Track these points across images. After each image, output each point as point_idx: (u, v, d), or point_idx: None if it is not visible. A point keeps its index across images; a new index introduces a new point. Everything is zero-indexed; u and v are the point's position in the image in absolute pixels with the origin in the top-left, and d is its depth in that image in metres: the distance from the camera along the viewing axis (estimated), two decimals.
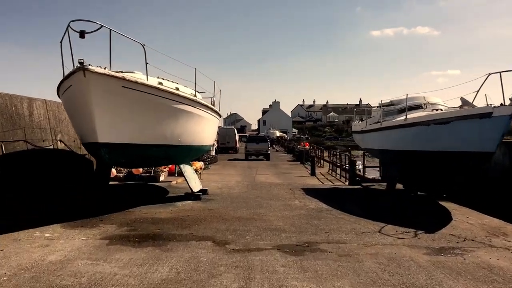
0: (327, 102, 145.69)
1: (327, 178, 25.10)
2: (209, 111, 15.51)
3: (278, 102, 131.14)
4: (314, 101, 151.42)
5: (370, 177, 22.11)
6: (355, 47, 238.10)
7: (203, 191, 16.02)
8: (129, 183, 19.55)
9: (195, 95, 14.10)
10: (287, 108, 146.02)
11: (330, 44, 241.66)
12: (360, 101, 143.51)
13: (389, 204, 14.72)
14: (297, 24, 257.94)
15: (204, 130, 15.19)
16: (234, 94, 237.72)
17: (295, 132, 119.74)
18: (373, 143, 17.37)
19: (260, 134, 48.68)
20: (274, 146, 74.53)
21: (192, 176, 14.87)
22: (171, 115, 12.39)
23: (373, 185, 20.21)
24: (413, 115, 14.57)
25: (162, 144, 12.39)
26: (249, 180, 22.63)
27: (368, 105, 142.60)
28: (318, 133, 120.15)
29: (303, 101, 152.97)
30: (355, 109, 45.98)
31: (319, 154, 37.80)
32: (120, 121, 10.78)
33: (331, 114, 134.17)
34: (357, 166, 23.68)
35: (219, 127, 58.48)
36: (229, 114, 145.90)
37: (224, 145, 53.09)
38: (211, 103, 17.78)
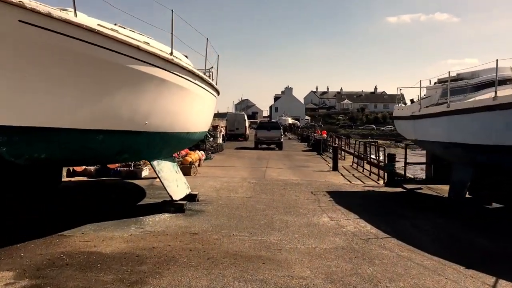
0: (341, 89, 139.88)
1: (353, 175, 20.13)
2: (200, 84, 10.67)
3: (291, 88, 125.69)
4: (327, 88, 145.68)
5: (412, 176, 17.13)
6: (371, 34, 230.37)
7: (191, 197, 11.22)
8: (100, 180, 14.79)
9: (175, 56, 9.17)
10: (300, 94, 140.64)
11: (345, 30, 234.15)
12: (376, 88, 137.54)
13: (476, 226, 9.76)
14: (311, 10, 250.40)
15: (193, 111, 10.35)
16: (246, 80, 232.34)
17: (307, 120, 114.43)
18: (432, 133, 12.17)
19: (272, 120, 43.66)
20: (286, 133, 69.50)
21: (171, 178, 9.96)
22: (129, 82, 7.52)
23: (420, 188, 15.23)
24: (503, 92, 9.54)
25: (114, 130, 7.51)
26: (257, 177, 17.78)
27: (383, 93, 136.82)
28: (332, 120, 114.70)
29: (317, 88, 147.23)
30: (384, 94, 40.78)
31: (339, 143, 32.78)
32: (25, 87, 5.96)
33: (345, 101, 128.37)
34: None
35: (227, 113, 53.63)
36: (240, 100, 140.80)
37: (233, 132, 48.20)
38: (209, 76, 12.92)
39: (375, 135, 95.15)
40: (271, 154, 30.29)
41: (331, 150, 34.67)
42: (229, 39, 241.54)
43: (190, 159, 18.11)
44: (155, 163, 9.41)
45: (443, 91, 12.54)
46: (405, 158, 16.67)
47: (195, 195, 11.42)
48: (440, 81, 13.23)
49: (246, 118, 50.24)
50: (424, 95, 13.64)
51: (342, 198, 12.83)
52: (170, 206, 9.91)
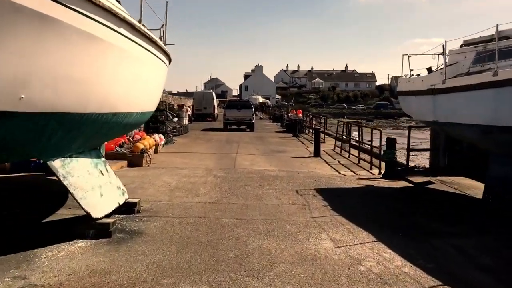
0: (312, 67, 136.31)
1: (339, 162, 16.82)
2: (139, 40, 7.00)
3: (261, 67, 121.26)
4: (298, 67, 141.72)
5: (414, 165, 13.95)
6: (341, 13, 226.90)
7: (129, 207, 7.62)
8: (13, 178, 10.93)
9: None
10: (270, 73, 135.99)
11: (315, 9, 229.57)
12: (346, 67, 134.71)
13: None
14: None
15: (125, 80, 6.66)
16: (215, 58, 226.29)
17: (278, 98, 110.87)
18: (465, 112, 8.67)
19: (243, 99, 39.92)
20: (257, 113, 65.91)
21: (89, 184, 6.26)
22: None
23: (431, 182, 12.02)
24: None
25: None
26: (226, 167, 14.26)
27: (354, 71, 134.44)
28: (303, 99, 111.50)
29: (287, 66, 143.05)
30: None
31: (315, 124, 29.52)
32: None
33: (316, 80, 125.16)
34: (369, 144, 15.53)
35: (194, 92, 49.44)
36: (209, 78, 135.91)
37: (200, 111, 44.30)
38: (159, 37, 9.21)
39: (346, 114, 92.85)
40: (242, 136, 26.73)
41: (307, 132, 31.48)
42: (197, 16, 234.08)
43: (141, 146, 14.38)
44: (56, 163, 5.70)
45: (478, 56, 9.24)
46: (408, 143, 13.39)
47: (135, 204, 7.80)
48: (469, 43, 9.93)
49: (214, 96, 46.34)
50: (448, 61, 10.20)
51: (339, 201, 9.46)
52: (86, 227, 6.28)
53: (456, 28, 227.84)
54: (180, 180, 11.44)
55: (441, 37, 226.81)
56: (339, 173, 14.16)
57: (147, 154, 14.21)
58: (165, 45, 9.46)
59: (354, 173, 14.31)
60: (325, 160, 17.19)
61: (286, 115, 38.04)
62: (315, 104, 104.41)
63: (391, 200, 9.86)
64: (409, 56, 11.95)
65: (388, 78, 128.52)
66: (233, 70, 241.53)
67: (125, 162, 13.65)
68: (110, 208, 6.72)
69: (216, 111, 47.70)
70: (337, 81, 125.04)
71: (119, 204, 7.14)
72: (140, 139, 16.31)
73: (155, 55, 8.19)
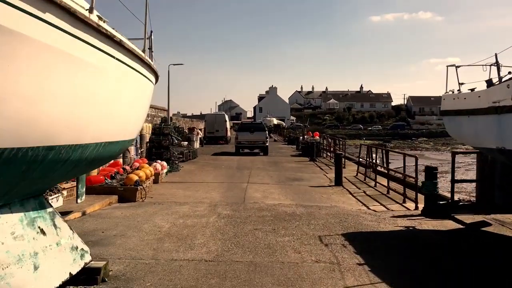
0: (326, 88, 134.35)
1: (365, 193, 14.48)
2: (123, 55, 4.97)
3: (276, 88, 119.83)
4: (313, 88, 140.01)
5: (457, 198, 11.53)
6: (355, 34, 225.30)
7: (88, 276, 5.43)
8: None
9: None
10: (284, 94, 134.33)
11: (328, 30, 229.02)
12: (361, 87, 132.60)
13: None
14: (294, 11, 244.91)
15: (93, 100, 4.57)
16: (229, 80, 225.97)
17: (293, 120, 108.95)
18: None
19: (256, 121, 37.71)
20: (271, 135, 63.86)
21: (9, 257, 4.04)
22: None
23: (487, 223, 9.61)
24: None
25: None
26: (234, 201, 12.02)
27: (369, 92, 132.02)
28: (318, 121, 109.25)
29: (301, 88, 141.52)
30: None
31: (336, 147, 27.22)
32: None
33: (331, 101, 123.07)
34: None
35: (205, 114, 47.60)
36: (223, 100, 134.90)
37: (212, 134, 42.36)
38: (144, 50, 7.17)
39: (362, 135, 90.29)
40: (255, 161, 24.53)
41: (325, 155, 29.16)
42: (211, 39, 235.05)
43: (135, 177, 12.23)
44: None
45: None
46: (453, 172, 10.98)
47: (98, 270, 5.59)
48: None
49: (227, 119, 44.41)
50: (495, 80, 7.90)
51: (378, 255, 7.13)
52: None
53: (470, 46, 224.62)
54: (175, 222, 9.23)
55: (456, 56, 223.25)
56: (368, 208, 11.80)
57: (141, 187, 12.05)
58: (151, 59, 7.38)
59: (385, 207, 11.94)
60: (348, 190, 14.85)
61: (301, 138, 35.78)
62: (330, 125, 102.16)
63: (449, 255, 7.46)
64: (457, 67, 9.62)
65: (404, 98, 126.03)
66: (247, 92, 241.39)
67: (115, 197, 11.51)
68: (51, 285, 4.52)
69: (228, 133, 45.75)
70: (352, 102, 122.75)
71: (70, 274, 4.94)
72: (138, 168, 14.22)
73: (143, 75, 6.10)
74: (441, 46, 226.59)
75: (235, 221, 9.40)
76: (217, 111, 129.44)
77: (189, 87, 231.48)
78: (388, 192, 14.31)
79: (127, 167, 14.37)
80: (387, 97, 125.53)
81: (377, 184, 15.84)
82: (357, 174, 19.16)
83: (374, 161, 18.10)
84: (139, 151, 18.22)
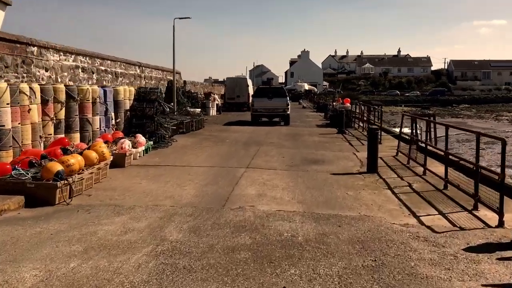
0: (361, 52, 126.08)
1: (411, 187, 9.76)
2: None
3: (308, 52, 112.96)
4: (347, 52, 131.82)
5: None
6: None
7: None
8: None
9: None
10: (317, 59, 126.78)
11: None
12: (399, 51, 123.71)
13: None
14: None
15: None
16: (260, 45, 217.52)
17: (325, 85, 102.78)
18: None
19: (275, 85, 32.70)
20: (301, 101, 58.74)
21: None
22: None
23: None
24: None
25: None
26: (207, 207, 7.59)
27: (407, 56, 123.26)
28: (352, 86, 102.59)
29: (335, 52, 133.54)
30: None
31: (367, 116, 22.25)
32: None
33: (366, 65, 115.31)
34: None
35: (227, 78, 42.75)
36: (254, 65, 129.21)
37: (233, 101, 37.75)
38: None
39: (399, 101, 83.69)
40: (270, 133, 19.95)
41: (357, 126, 24.24)
42: (240, 4, 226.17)
43: (58, 167, 7.83)
44: None
45: None
46: None
47: None
48: None
49: (250, 83, 39.51)
50: None
51: None
52: None
53: None
54: (58, 270, 4.91)
55: (502, 18, 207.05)
56: (419, 220, 7.15)
57: (66, 181, 7.74)
58: None
59: (448, 219, 7.25)
60: (386, 182, 10.16)
61: (331, 105, 30.77)
62: (365, 91, 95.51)
63: None
64: None
65: (445, 63, 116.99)
66: (279, 56, 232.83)
67: (19, 200, 7.29)
68: None
69: (251, 99, 41.08)
70: (388, 67, 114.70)
71: None
72: (87, 148, 9.96)
73: None
74: (485, 7, 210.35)
75: (176, 267, 4.98)
76: (248, 76, 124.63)
77: (221, 52, 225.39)
78: (445, 187, 9.57)
79: (71, 147, 10.09)
80: (427, 61, 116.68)
81: (427, 171, 11.10)
82: (397, 154, 14.36)
83: (420, 136, 13.37)
84: (112, 122, 13.95)
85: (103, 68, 18.16)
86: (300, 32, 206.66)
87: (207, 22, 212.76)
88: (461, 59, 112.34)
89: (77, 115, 11.50)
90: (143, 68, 23.87)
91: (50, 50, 13.98)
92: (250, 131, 21.03)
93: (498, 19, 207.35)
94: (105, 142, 11.73)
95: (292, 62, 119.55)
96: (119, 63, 20.18)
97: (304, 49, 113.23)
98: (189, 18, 23.39)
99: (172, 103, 23.97)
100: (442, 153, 10.63)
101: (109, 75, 18.78)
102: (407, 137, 15.04)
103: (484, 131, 42.33)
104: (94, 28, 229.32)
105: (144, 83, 23.66)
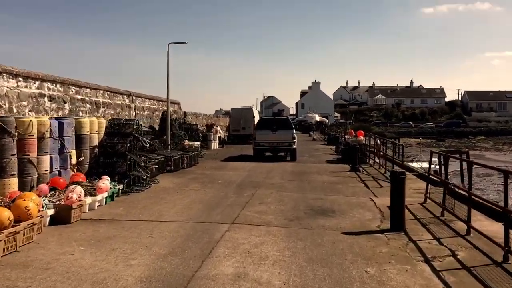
0: (373, 83, 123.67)
1: (456, 258, 6.88)
2: None
3: (319, 83, 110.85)
4: (359, 83, 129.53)
5: None
6: (405, 26, 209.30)
7: None
8: None
9: None
10: (328, 90, 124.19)
11: (377, 23, 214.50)
12: (411, 82, 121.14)
13: None
14: (340, 3, 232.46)
15: None
16: (272, 77, 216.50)
17: (337, 117, 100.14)
18: None
19: (280, 116, 30.08)
20: (312, 133, 55.97)
21: None
22: None
23: None
24: None
25: None
26: None
27: (420, 87, 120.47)
28: (364, 117, 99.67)
29: (347, 83, 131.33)
30: None
31: (383, 151, 19.33)
32: None
33: (378, 96, 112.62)
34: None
35: (231, 109, 40.37)
36: (264, 97, 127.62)
37: (238, 133, 35.15)
38: None
39: (413, 133, 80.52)
40: (273, 171, 17.14)
41: (372, 161, 21.29)
42: (253, 35, 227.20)
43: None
44: None
45: None
46: None
47: None
48: None
49: (256, 114, 36.99)
50: None
51: None
52: None
53: None
54: None
55: None
56: None
57: None
58: None
59: None
60: (420, 249, 7.25)
61: (342, 138, 27.95)
62: (377, 122, 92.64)
63: None
64: None
65: (459, 93, 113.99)
66: (290, 88, 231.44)
67: None
68: None
69: (253, 132, 38.46)
70: (401, 98, 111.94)
71: None
72: (11, 202, 7.27)
73: None
74: (498, 39, 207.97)
75: None
76: (258, 107, 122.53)
77: (233, 83, 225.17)
78: (506, 259, 6.64)
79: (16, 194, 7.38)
80: (440, 92, 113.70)
81: (471, 228, 8.18)
82: (425, 201, 11.44)
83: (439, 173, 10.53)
84: (72, 162, 11.27)
85: (79, 97, 15.70)
86: (311, 63, 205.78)
87: (217, 53, 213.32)
88: (475, 90, 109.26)
89: (13, 155, 8.85)
90: (134, 97, 21.45)
91: (3, 74, 11.52)
92: (250, 168, 18.24)
93: (510, 50, 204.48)
94: (52, 190, 9.06)
95: (303, 93, 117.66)
96: (101, 91, 17.77)
97: (315, 80, 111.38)
98: (184, 43, 21.10)
99: (166, 136, 21.41)
100: (496, 208, 7.71)
101: (88, 105, 16.33)
102: (436, 179, 12.15)
103: (504, 164, 38.57)
104: (96, 61, 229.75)
105: (134, 114, 21.20)
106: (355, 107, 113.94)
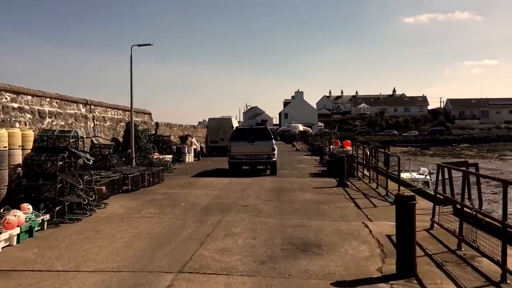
0: (356, 92, 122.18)
1: None
2: None
3: (302, 92, 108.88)
4: (342, 92, 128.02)
5: None
6: (386, 36, 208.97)
7: None
8: None
9: None
10: (312, 100, 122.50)
11: (358, 33, 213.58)
12: (394, 90, 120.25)
13: None
14: (322, 12, 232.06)
15: None
16: (254, 86, 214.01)
17: (321, 126, 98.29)
18: None
19: (256, 124, 27.43)
20: (295, 143, 53.75)
21: None
22: None
23: None
24: None
25: None
26: None
27: (403, 95, 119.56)
28: (348, 126, 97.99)
29: (330, 92, 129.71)
30: None
31: (373, 162, 17.03)
32: None
33: (361, 105, 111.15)
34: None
35: (209, 119, 38.09)
36: (246, 107, 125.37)
37: (216, 144, 32.57)
38: None
39: (397, 141, 79.08)
40: (248, 190, 14.65)
41: (361, 175, 18.95)
42: (235, 45, 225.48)
43: None
44: None
45: None
46: None
47: None
48: None
49: (234, 124, 34.52)
50: None
51: None
52: None
53: (510, 49, 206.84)
54: None
55: (494, 59, 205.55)
56: None
57: None
58: None
59: None
60: None
61: (327, 148, 25.66)
62: (361, 131, 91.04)
63: None
64: None
65: (441, 102, 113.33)
66: (274, 98, 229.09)
67: None
68: None
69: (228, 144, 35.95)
70: (384, 106, 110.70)
71: None
72: None
73: None
74: (477, 48, 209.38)
75: None
76: (241, 118, 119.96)
77: (214, 93, 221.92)
78: None
79: None
80: (423, 100, 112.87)
81: (508, 273, 5.87)
82: (432, 226, 9.12)
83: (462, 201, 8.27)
84: None
85: (15, 105, 13.07)
86: (294, 73, 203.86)
87: (198, 64, 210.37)
88: (457, 97, 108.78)
89: None
90: (92, 107, 18.81)
91: None
92: (223, 185, 15.74)
93: (490, 59, 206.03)
94: None
95: (286, 103, 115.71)
96: (48, 99, 15.15)
97: (298, 90, 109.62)
98: (150, 45, 18.61)
99: (130, 150, 18.80)
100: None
101: (28, 115, 13.69)
102: (442, 197, 9.87)
103: (490, 172, 36.50)
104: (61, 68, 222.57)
105: (92, 125, 18.55)
106: (338, 116, 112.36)
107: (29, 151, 9.87)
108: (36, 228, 8.31)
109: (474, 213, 7.25)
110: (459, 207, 8.08)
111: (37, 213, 8.54)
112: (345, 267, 6.61)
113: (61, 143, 9.87)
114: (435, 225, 9.09)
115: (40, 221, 8.43)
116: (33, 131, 10.89)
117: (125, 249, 7.39)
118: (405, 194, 6.45)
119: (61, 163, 9.42)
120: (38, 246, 7.55)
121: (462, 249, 7.52)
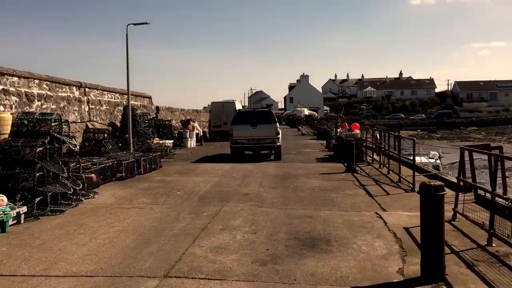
0: (362, 76, 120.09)
1: None
2: None
3: (307, 76, 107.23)
4: (347, 75, 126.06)
5: None
6: (392, 18, 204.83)
7: None
8: None
9: None
10: (317, 83, 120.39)
11: (363, 15, 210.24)
12: (401, 73, 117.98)
13: None
14: None
15: None
16: (259, 71, 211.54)
17: (326, 110, 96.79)
18: None
19: (262, 107, 26.60)
20: (300, 127, 52.64)
21: None
22: None
23: None
24: None
25: None
26: None
27: (410, 78, 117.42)
28: (354, 110, 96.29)
29: (335, 76, 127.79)
30: None
31: (383, 146, 15.95)
32: None
33: (368, 89, 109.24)
34: None
35: (212, 103, 36.78)
36: (250, 91, 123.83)
37: (219, 128, 31.55)
38: None
39: (404, 125, 77.55)
40: (250, 176, 13.64)
41: (370, 159, 17.90)
42: (240, 29, 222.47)
43: None
44: None
45: None
46: None
47: None
48: None
49: (237, 108, 33.38)
50: None
51: None
52: None
53: None
54: None
55: (501, 40, 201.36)
56: None
57: None
58: None
59: None
60: None
61: (334, 132, 24.54)
62: (367, 115, 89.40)
63: None
64: None
65: (449, 84, 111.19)
66: (279, 82, 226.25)
67: None
68: None
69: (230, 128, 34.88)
70: (391, 89, 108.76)
71: None
72: None
73: None
74: (485, 29, 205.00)
75: None
76: (247, 104, 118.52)
77: (219, 79, 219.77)
78: None
79: None
80: (430, 83, 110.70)
81: None
82: (454, 217, 8.08)
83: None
84: None
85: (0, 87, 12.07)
86: (299, 56, 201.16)
87: (204, 48, 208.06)
88: (465, 80, 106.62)
89: None
90: (87, 89, 17.79)
91: None
92: (224, 171, 14.75)
93: (497, 41, 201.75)
94: None
95: (291, 87, 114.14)
96: (37, 81, 14.15)
97: (303, 73, 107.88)
98: (146, 23, 17.48)
99: (127, 135, 17.82)
100: None
101: (14, 98, 12.70)
102: (466, 185, 8.83)
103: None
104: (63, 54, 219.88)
105: (87, 109, 17.56)
106: (344, 100, 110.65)
107: (6, 136, 8.90)
108: (11, 222, 7.38)
109: (510, 204, 6.20)
110: (489, 196, 7.03)
111: (12, 205, 7.59)
112: (359, 268, 5.62)
113: (42, 127, 8.87)
114: (458, 215, 8.08)
115: (15, 214, 7.47)
116: (11, 114, 9.90)
117: (106, 247, 6.42)
118: (431, 184, 5.38)
119: (40, 149, 8.43)
120: (8, 244, 6.60)
121: (493, 245, 6.50)
